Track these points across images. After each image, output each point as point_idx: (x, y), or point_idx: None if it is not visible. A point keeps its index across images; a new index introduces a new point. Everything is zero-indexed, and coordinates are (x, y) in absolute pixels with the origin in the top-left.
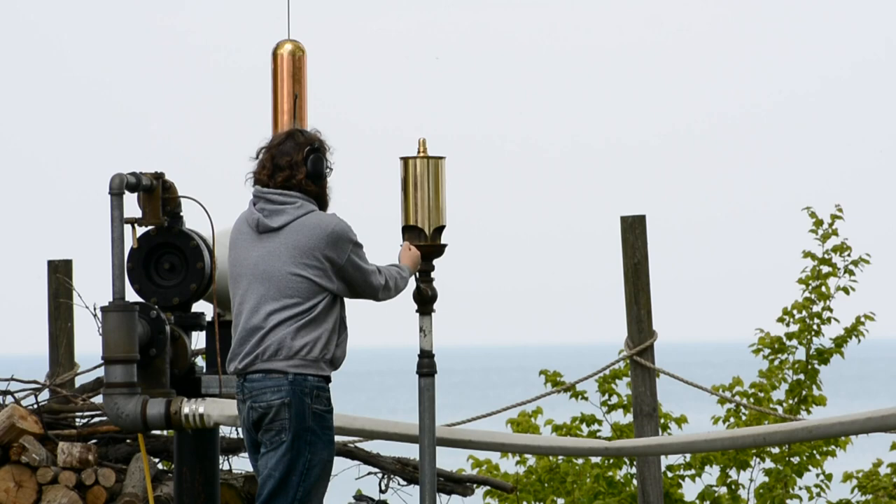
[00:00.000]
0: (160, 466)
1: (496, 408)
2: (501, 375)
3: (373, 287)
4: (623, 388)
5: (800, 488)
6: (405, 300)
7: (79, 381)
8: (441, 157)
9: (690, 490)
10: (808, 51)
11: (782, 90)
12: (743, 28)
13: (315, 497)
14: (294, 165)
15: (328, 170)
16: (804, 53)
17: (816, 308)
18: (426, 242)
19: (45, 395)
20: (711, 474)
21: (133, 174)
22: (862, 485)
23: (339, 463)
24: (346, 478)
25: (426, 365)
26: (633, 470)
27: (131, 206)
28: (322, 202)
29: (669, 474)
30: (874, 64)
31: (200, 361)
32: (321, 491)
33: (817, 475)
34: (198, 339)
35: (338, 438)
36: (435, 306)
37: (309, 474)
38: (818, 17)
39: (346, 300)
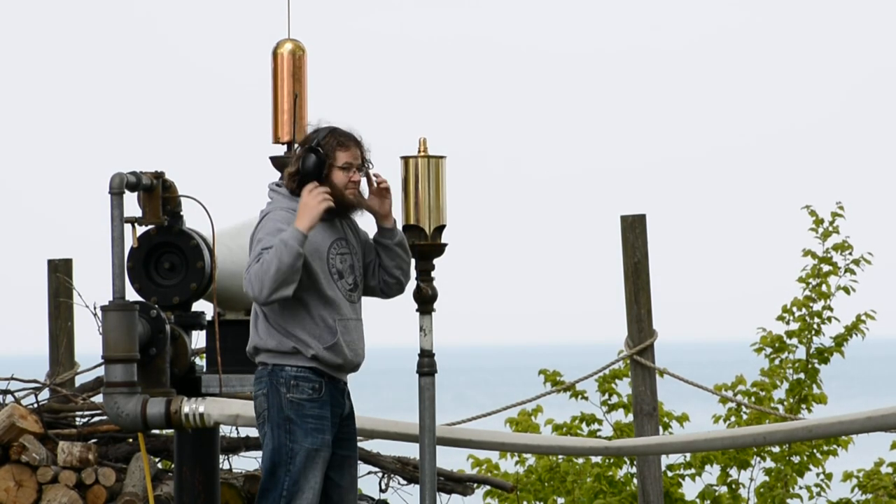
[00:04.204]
0: (160, 466)
1: (496, 407)
2: (502, 375)
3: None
4: (623, 387)
5: (800, 487)
6: (406, 299)
7: (79, 380)
8: (442, 157)
9: (691, 489)
10: (808, 53)
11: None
12: (743, 29)
13: (306, 486)
14: (293, 162)
15: (313, 167)
16: (803, 55)
17: (817, 307)
18: (426, 242)
19: (45, 395)
20: (712, 473)
21: (133, 173)
22: (862, 484)
23: None
24: None
25: (426, 364)
26: (634, 469)
27: (131, 205)
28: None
29: (670, 473)
30: (873, 66)
31: (200, 361)
32: (312, 480)
33: (818, 474)
34: (198, 339)
35: None
36: (435, 305)
37: (293, 463)
38: (821, 22)
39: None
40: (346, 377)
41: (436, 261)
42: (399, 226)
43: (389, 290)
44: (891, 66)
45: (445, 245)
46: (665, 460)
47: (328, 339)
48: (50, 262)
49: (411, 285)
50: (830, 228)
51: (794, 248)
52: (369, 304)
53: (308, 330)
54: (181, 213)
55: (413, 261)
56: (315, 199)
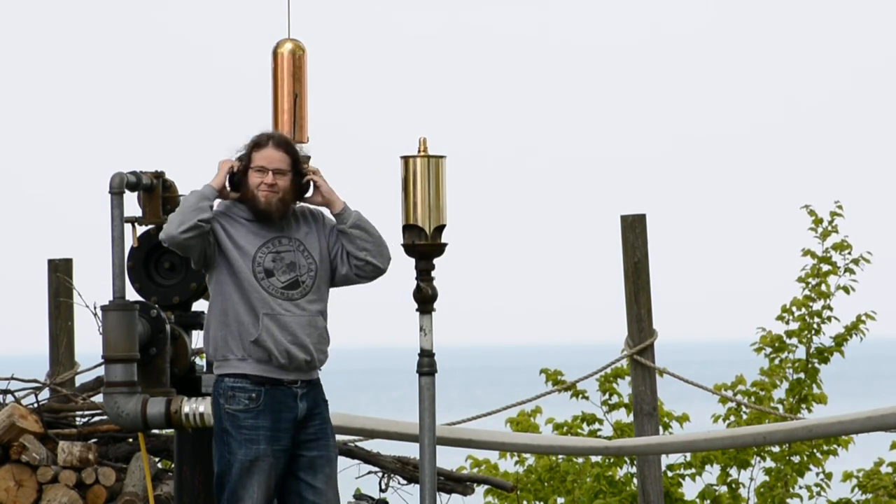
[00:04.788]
0: (160, 466)
1: (496, 407)
2: (501, 375)
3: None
4: (624, 387)
5: (800, 487)
6: (406, 299)
7: (79, 380)
8: (442, 157)
9: (691, 489)
10: (808, 54)
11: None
12: (743, 31)
13: (245, 495)
14: None
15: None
16: (803, 56)
17: (816, 306)
18: (426, 242)
19: (45, 394)
20: (712, 473)
21: (133, 173)
22: (862, 484)
23: (340, 462)
24: (346, 477)
25: (426, 364)
26: (634, 469)
27: (131, 204)
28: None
29: (670, 473)
30: (872, 68)
31: (200, 361)
32: (251, 489)
33: (818, 474)
34: (198, 339)
35: (338, 438)
36: (435, 305)
37: (230, 474)
38: (819, 22)
39: (231, 284)
40: (299, 378)
41: (436, 261)
42: (407, 225)
43: (363, 272)
44: (891, 65)
45: (445, 245)
46: (665, 460)
47: (250, 333)
48: (50, 261)
49: (411, 284)
50: (829, 228)
51: (794, 247)
52: (371, 304)
53: (230, 330)
54: None
55: (406, 256)
56: (221, 169)
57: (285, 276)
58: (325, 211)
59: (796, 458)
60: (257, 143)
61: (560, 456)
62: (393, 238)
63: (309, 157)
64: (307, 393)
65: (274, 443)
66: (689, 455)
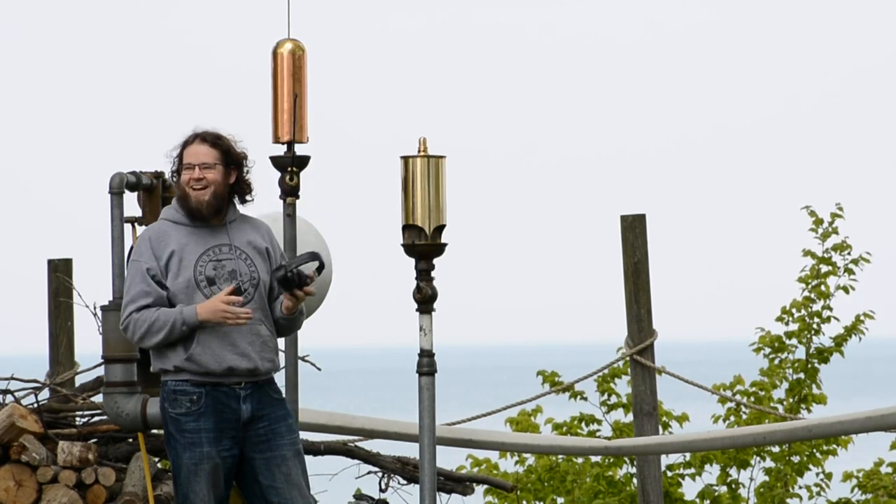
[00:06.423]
0: (160, 466)
1: (496, 407)
2: (501, 375)
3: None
4: (622, 387)
5: (800, 487)
6: (406, 299)
7: (79, 380)
8: (441, 157)
9: (690, 489)
10: (808, 53)
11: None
12: (743, 30)
13: (196, 498)
14: None
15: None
16: (803, 56)
17: (816, 307)
18: (426, 242)
19: (45, 394)
20: (711, 473)
21: (133, 173)
22: (862, 484)
23: (339, 462)
24: (346, 477)
25: (426, 364)
26: (633, 469)
27: (131, 205)
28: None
29: (669, 473)
30: (871, 67)
31: None
32: (200, 492)
33: (817, 474)
34: None
35: (337, 438)
36: (435, 305)
37: (179, 476)
38: (819, 22)
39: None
40: (242, 380)
41: (436, 261)
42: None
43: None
44: (891, 64)
45: (445, 245)
46: (665, 460)
47: (184, 350)
48: (50, 261)
49: (410, 284)
50: (830, 229)
51: (795, 248)
52: (371, 304)
53: (164, 351)
54: None
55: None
56: (219, 309)
57: (227, 283)
58: (278, 221)
59: (796, 459)
60: (185, 143)
61: (560, 456)
62: (393, 238)
63: (246, 156)
64: (251, 394)
65: (217, 444)
66: (688, 455)
